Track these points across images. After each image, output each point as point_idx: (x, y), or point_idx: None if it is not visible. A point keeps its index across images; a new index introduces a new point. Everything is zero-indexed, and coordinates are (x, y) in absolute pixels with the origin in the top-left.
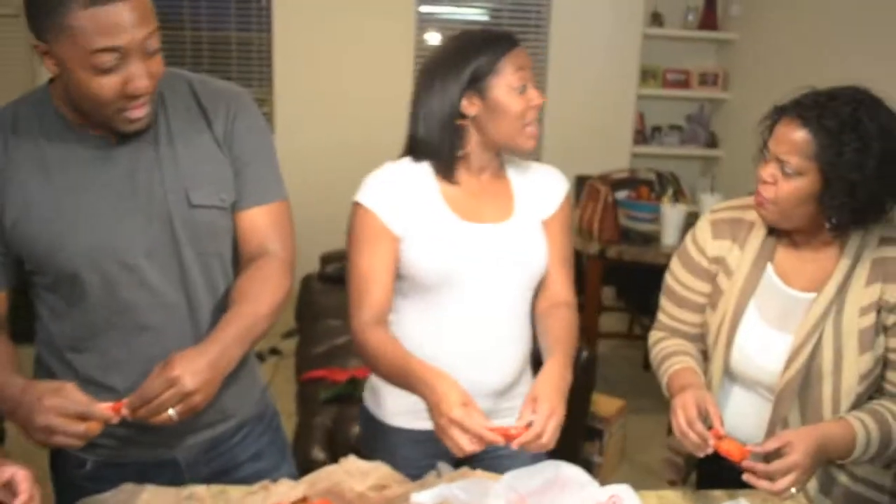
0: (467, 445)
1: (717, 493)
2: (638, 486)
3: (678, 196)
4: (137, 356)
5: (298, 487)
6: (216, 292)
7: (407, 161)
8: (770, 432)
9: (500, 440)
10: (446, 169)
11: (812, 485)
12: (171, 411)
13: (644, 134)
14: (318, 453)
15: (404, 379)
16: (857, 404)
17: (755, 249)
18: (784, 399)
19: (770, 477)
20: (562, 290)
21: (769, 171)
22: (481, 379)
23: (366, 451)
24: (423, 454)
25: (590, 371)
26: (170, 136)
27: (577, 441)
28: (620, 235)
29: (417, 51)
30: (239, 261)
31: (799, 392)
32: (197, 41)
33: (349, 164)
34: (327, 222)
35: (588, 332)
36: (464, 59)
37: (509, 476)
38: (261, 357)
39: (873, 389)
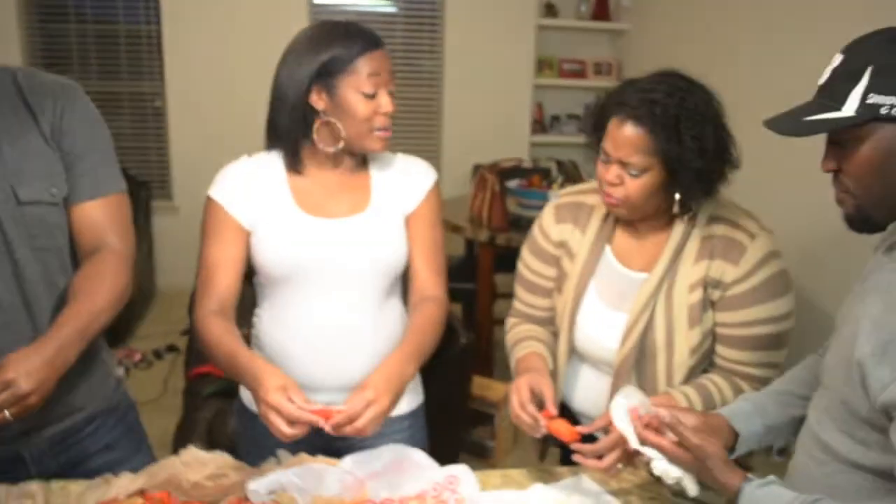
0: (287, 429)
1: (562, 469)
2: (531, 465)
3: (576, 184)
4: None
5: (138, 480)
6: (55, 289)
7: (262, 154)
8: None
9: (318, 421)
10: (293, 158)
11: None
12: (5, 412)
13: (543, 123)
14: (199, 447)
15: (234, 369)
16: (689, 377)
17: (595, 232)
18: (622, 375)
19: (598, 455)
20: (427, 284)
21: (614, 172)
22: (336, 373)
23: (238, 440)
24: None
25: (468, 357)
26: None
27: (458, 426)
28: (510, 223)
29: None
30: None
31: (635, 367)
32: (82, 34)
33: (243, 154)
34: None
35: (481, 319)
36: (318, 49)
37: (348, 459)
38: (158, 355)
39: (705, 363)
